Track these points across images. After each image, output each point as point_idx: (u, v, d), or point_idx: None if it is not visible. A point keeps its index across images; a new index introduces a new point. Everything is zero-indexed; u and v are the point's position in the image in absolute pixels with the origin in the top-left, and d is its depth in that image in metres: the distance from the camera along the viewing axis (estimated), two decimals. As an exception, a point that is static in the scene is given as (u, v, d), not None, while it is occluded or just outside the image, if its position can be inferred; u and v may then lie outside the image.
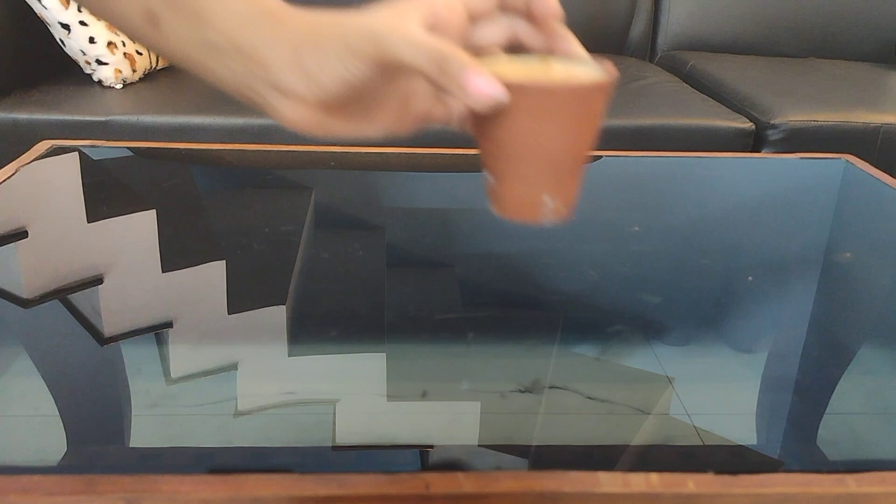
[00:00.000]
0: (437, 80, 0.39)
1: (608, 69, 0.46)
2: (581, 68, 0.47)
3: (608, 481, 0.44)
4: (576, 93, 0.43)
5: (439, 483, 0.43)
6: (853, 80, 1.76)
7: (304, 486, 0.43)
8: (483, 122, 0.45)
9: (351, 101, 0.40)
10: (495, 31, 0.45)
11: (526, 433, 0.50)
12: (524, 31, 0.45)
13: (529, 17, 0.45)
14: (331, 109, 0.40)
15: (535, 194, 0.46)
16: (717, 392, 0.55)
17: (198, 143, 1.12)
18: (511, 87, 0.41)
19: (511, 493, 0.43)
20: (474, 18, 0.43)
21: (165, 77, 1.57)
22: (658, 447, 0.49)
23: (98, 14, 0.41)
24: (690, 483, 0.44)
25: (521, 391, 0.53)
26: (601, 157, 1.07)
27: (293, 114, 0.40)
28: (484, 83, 0.39)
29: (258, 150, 1.05)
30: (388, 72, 0.39)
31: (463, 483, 0.43)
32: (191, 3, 0.39)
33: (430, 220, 0.86)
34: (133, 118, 1.33)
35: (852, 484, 0.44)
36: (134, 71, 1.47)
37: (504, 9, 0.44)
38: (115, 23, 0.41)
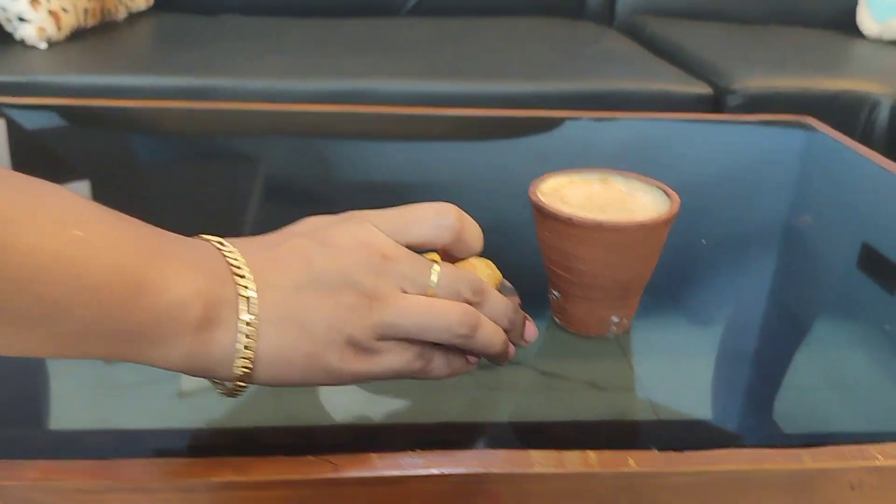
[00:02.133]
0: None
1: (671, 195, 0.49)
2: (643, 192, 0.51)
3: (541, 461, 0.39)
4: (647, 228, 0.47)
5: (349, 465, 0.38)
6: (813, 46, 1.73)
7: (195, 470, 0.37)
8: (554, 247, 0.48)
9: None
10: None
11: (468, 411, 0.45)
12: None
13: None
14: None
15: (604, 314, 0.50)
16: (674, 366, 0.51)
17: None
18: (586, 224, 0.46)
19: (429, 476, 0.38)
20: None
21: (95, 36, 1.48)
22: (606, 423, 0.44)
23: None
24: (631, 461, 0.39)
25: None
26: (554, 118, 1.02)
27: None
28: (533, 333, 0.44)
29: (202, 110, 0.98)
30: None
31: (376, 464, 0.38)
32: None
33: (388, 194, 0.80)
34: (57, 78, 1.25)
35: (808, 459, 0.40)
36: (59, 29, 1.38)
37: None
38: None
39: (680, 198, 0.50)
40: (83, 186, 0.72)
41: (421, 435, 0.42)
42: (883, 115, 1.44)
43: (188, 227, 0.38)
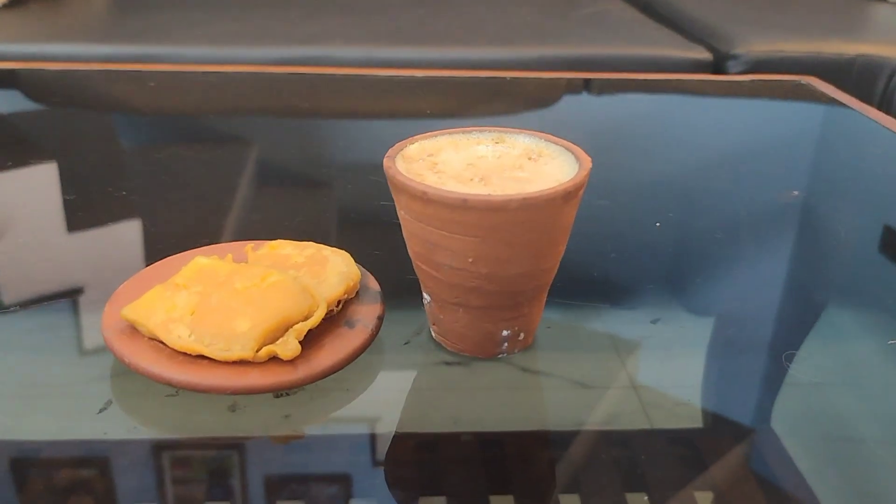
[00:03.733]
0: None
1: (582, 159, 0.36)
2: (548, 156, 0.38)
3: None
4: (534, 204, 0.33)
5: None
6: (826, 9, 1.56)
7: None
8: (414, 235, 0.36)
9: None
10: None
11: (438, 414, 0.36)
12: None
13: None
14: None
15: (490, 327, 0.37)
16: (667, 362, 0.41)
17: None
18: (447, 200, 0.33)
19: None
20: None
21: (39, 4, 1.37)
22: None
23: None
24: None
25: (446, 363, 0.39)
26: (543, 77, 0.88)
27: None
28: None
29: (166, 72, 0.86)
30: None
31: None
32: None
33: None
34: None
35: None
36: (-6, -6, 1.26)
37: None
38: None
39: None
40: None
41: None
42: (905, 82, 1.28)
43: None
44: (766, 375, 0.39)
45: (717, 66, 1.30)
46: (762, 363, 0.40)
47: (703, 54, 1.30)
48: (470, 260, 0.34)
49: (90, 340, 0.39)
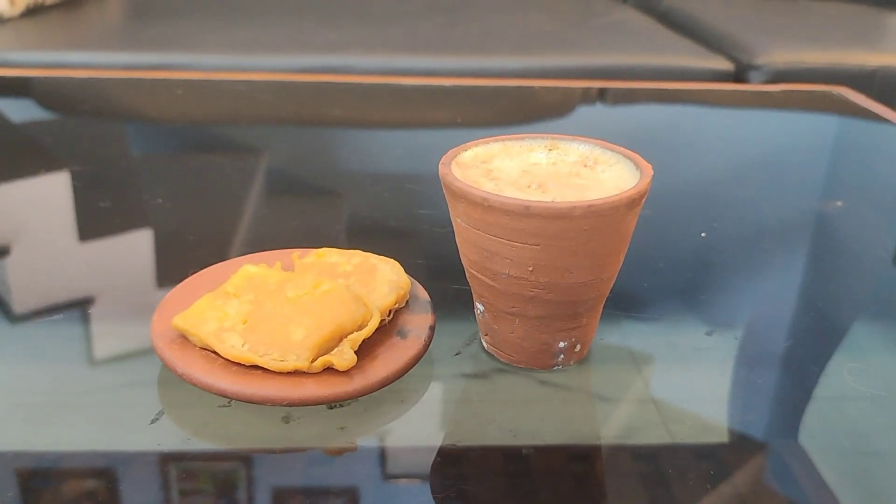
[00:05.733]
0: None
1: (643, 166, 0.36)
2: (605, 163, 0.37)
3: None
4: (600, 212, 0.32)
5: None
6: (848, 19, 1.56)
7: None
8: (471, 242, 0.35)
9: None
10: None
11: (493, 427, 0.34)
12: None
13: None
14: None
15: (546, 338, 0.36)
16: (688, 374, 0.39)
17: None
18: (509, 207, 0.32)
19: None
20: None
21: (53, 12, 1.36)
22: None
23: None
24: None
25: (464, 376, 0.38)
26: (556, 87, 0.87)
27: None
28: None
29: (188, 80, 0.86)
30: None
31: None
32: None
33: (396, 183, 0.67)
34: (11, 56, 1.13)
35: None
36: (13, 4, 1.26)
37: None
38: None
39: (654, 171, 0.35)
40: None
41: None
42: (928, 93, 1.27)
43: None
44: (823, 388, 0.38)
45: (739, 77, 1.29)
46: (820, 376, 0.39)
47: (725, 65, 1.29)
48: (530, 268, 0.34)
49: (137, 348, 0.38)
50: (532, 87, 0.87)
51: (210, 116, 0.78)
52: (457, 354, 0.39)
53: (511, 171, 0.37)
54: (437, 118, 0.79)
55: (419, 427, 0.35)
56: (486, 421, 0.35)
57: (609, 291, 0.37)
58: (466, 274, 0.37)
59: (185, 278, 0.40)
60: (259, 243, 0.50)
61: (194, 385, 0.33)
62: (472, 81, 0.87)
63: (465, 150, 0.38)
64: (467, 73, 1.24)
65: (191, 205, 0.56)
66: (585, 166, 0.37)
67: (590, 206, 0.32)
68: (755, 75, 1.28)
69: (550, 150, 0.39)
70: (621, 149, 0.38)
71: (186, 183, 0.61)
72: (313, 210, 0.57)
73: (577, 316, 0.36)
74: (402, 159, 0.66)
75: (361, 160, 0.68)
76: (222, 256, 0.44)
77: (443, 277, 0.43)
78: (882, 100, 1.31)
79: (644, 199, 0.34)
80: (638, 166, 0.36)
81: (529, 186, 0.35)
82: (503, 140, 0.39)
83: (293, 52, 1.23)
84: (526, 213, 0.32)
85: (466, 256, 0.36)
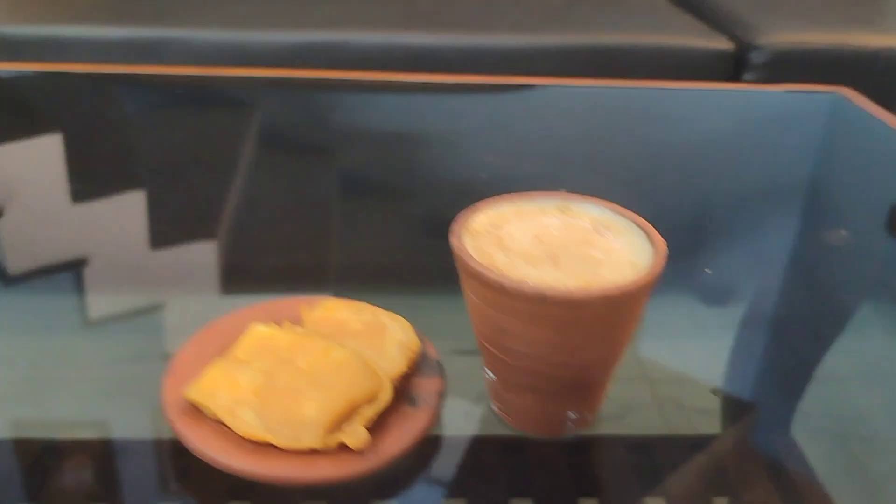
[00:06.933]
0: None
1: (656, 241, 0.35)
2: (617, 231, 0.37)
3: None
4: (614, 300, 0.32)
5: None
6: (850, 1, 1.53)
7: None
8: (484, 317, 0.35)
9: None
10: None
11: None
12: None
13: None
14: None
15: (555, 409, 0.37)
16: (682, 353, 0.44)
17: (73, 61, 0.90)
18: (525, 295, 0.32)
19: None
20: None
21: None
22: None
23: None
24: None
25: (510, 439, 0.38)
26: (551, 86, 0.86)
27: None
28: None
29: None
30: None
31: None
32: None
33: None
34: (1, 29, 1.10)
35: None
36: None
37: None
38: None
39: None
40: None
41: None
42: (930, 75, 1.26)
43: None
44: (818, 371, 0.39)
45: (739, 57, 1.28)
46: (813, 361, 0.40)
47: (726, 44, 1.28)
48: (543, 348, 0.34)
49: (148, 409, 0.38)
50: (532, 87, 0.86)
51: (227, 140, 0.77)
52: (466, 415, 0.39)
53: (522, 238, 0.36)
54: (438, 125, 0.78)
55: (431, 495, 0.35)
56: (499, 485, 0.36)
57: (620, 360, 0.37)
58: (478, 343, 0.37)
59: (184, 281, 0.40)
60: (262, 284, 0.50)
61: (209, 463, 0.34)
62: (472, 80, 0.86)
63: (476, 214, 0.37)
64: (467, 51, 1.22)
65: (190, 215, 0.56)
66: (597, 233, 0.37)
67: (605, 296, 0.32)
68: (756, 55, 1.27)
69: (562, 212, 0.38)
70: (632, 215, 0.38)
71: (190, 215, 0.60)
72: (311, 248, 0.57)
73: (589, 388, 0.36)
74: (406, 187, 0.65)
75: (365, 178, 0.67)
76: (222, 257, 0.44)
77: (444, 329, 0.43)
78: (883, 81, 1.30)
79: (656, 282, 0.34)
80: (650, 238, 0.36)
81: (541, 258, 0.35)
82: (514, 200, 0.39)
83: (289, 28, 1.21)
84: (542, 300, 0.32)
85: (479, 329, 0.36)
